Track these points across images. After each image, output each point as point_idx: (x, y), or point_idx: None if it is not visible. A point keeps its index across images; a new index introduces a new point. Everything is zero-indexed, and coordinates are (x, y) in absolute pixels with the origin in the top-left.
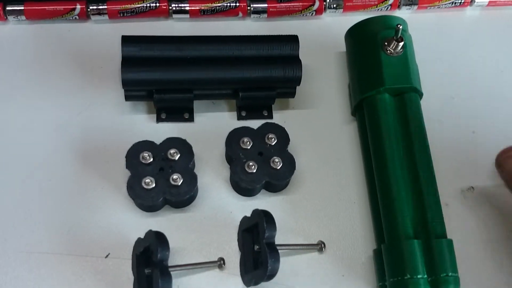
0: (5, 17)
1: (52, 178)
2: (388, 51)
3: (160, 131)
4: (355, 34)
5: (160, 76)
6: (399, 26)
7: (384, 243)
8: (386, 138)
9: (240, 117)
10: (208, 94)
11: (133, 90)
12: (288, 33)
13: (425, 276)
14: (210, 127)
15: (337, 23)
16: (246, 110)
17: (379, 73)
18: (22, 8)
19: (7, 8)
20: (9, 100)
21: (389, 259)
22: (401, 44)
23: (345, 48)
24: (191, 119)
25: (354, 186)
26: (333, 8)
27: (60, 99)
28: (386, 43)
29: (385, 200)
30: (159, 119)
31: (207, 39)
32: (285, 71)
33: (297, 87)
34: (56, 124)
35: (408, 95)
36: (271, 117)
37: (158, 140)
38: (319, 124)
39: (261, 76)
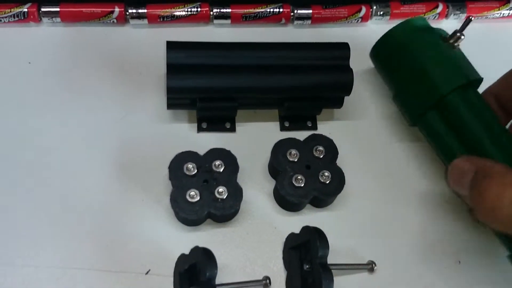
0: (39, 19)
1: (89, 189)
2: (453, 46)
3: (201, 141)
4: (401, 34)
5: (206, 84)
6: (471, 17)
7: None
8: (485, 131)
9: (283, 128)
10: (252, 103)
11: (176, 98)
12: (332, 40)
13: None
14: (252, 138)
15: (383, 31)
16: (289, 120)
17: (457, 67)
18: (58, 9)
19: (42, 10)
20: (43, 107)
21: None
22: (463, 38)
23: (387, 54)
24: (232, 129)
25: (404, 203)
26: (380, 15)
27: (97, 106)
28: (447, 38)
29: None
30: (200, 129)
31: (253, 46)
32: (335, 80)
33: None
34: (93, 132)
35: (475, 88)
36: (315, 128)
37: (199, 150)
38: (367, 136)
39: (310, 84)
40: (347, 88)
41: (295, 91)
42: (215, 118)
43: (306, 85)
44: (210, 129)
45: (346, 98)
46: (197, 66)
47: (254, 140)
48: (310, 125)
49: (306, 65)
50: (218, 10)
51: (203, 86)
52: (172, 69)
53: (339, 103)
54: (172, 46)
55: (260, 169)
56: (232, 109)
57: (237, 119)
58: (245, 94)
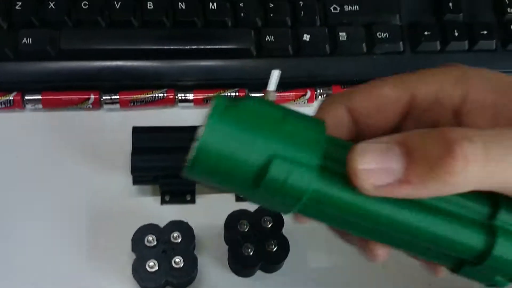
0: (23, 106)
1: (56, 260)
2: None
3: (164, 212)
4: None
5: (166, 164)
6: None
7: None
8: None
9: (238, 199)
10: None
11: (141, 176)
12: None
13: None
14: (210, 209)
15: None
16: None
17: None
18: (40, 97)
19: (26, 98)
20: (24, 183)
21: None
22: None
23: None
24: (192, 200)
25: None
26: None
27: (71, 184)
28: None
29: None
30: (163, 201)
31: None
32: None
33: None
34: (66, 208)
35: None
36: None
37: (162, 222)
38: None
39: None
40: None
41: None
42: (177, 192)
43: None
44: (172, 201)
45: None
46: (159, 147)
47: (212, 211)
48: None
49: None
50: (183, 95)
51: (164, 165)
52: (136, 150)
53: None
54: (137, 130)
55: (216, 238)
56: (192, 184)
57: (197, 191)
58: None
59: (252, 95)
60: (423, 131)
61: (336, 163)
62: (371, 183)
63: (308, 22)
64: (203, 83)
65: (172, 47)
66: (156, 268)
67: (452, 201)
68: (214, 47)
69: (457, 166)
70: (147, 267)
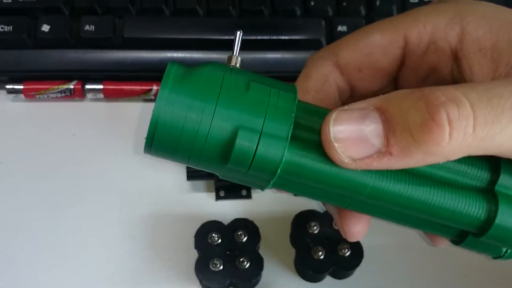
0: (83, 95)
1: (115, 258)
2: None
3: (220, 208)
4: None
5: None
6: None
7: None
8: None
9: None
10: None
11: (195, 171)
12: None
13: None
14: (269, 204)
15: None
16: None
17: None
18: (101, 87)
19: (86, 87)
20: (80, 175)
21: None
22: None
23: None
24: (248, 196)
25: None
26: None
27: (126, 177)
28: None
29: None
30: (218, 197)
31: None
32: None
33: None
34: (121, 201)
35: None
36: None
37: (219, 218)
38: None
39: None
40: None
41: None
42: (232, 187)
43: None
44: (227, 196)
45: None
46: None
47: (270, 206)
48: None
49: None
50: None
51: None
52: None
53: None
54: None
55: (280, 238)
56: None
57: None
58: None
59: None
60: (404, 92)
61: (310, 133)
62: (348, 156)
63: (384, 11)
64: (270, 75)
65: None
66: (221, 267)
67: (446, 167)
68: (282, 37)
69: (442, 134)
70: (211, 266)
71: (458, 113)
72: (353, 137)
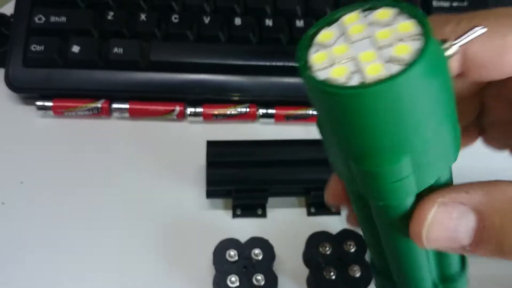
0: (110, 114)
1: (134, 273)
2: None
3: (236, 226)
4: None
5: (241, 177)
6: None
7: None
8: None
9: (309, 213)
10: (282, 192)
11: (215, 190)
12: None
13: None
14: (283, 223)
15: None
16: (315, 206)
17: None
18: (127, 106)
19: (113, 106)
20: (103, 191)
21: None
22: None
23: None
24: (263, 215)
25: None
26: None
27: (147, 194)
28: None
29: None
30: (235, 215)
31: (283, 143)
32: None
33: None
34: (140, 218)
35: None
36: (339, 213)
37: (235, 235)
38: None
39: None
40: None
41: (319, 182)
42: (248, 206)
43: (328, 178)
44: (243, 215)
45: None
46: (233, 161)
47: (284, 226)
48: (334, 210)
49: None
50: (265, 110)
51: (239, 179)
52: (211, 164)
53: None
54: (212, 144)
55: (294, 257)
56: (264, 198)
57: (268, 205)
58: (275, 185)
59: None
60: (507, 199)
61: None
62: (430, 246)
63: None
64: (285, 99)
65: (257, 63)
66: (237, 283)
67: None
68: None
69: None
70: (228, 282)
71: None
72: (445, 237)
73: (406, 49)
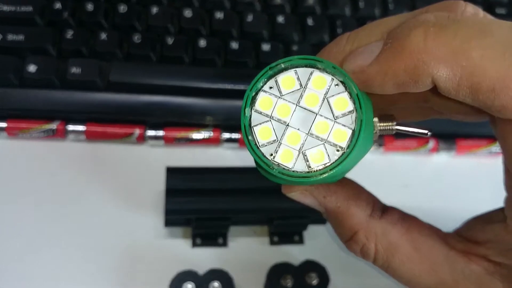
0: (65, 136)
1: None
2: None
3: (196, 256)
4: None
5: (201, 206)
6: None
7: None
8: None
9: (272, 242)
10: (244, 220)
11: (173, 218)
12: None
13: None
14: (244, 253)
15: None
16: (278, 235)
17: None
18: (84, 128)
19: (69, 128)
20: (55, 216)
21: None
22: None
23: None
24: (224, 244)
25: None
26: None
27: (101, 221)
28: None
29: None
30: (194, 244)
31: (245, 170)
32: None
33: None
34: (95, 245)
35: None
36: (302, 242)
37: (194, 265)
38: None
39: (296, 206)
40: None
41: (283, 211)
42: (209, 235)
43: (290, 207)
44: (204, 244)
45: None
46: (194, 189)
47: (245, 256)
48: (297, 239)
49: None
50: (229, 135)
51: (199, 208)
52: (171, 191)
53: (323, 221)
54: (172, 171)
55: (254, 285)
56: (225, 226)
57: (229, 234)
58: (238, 214)
59: None
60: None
61: None
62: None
63: None
64: None
65: (222, 87)
66: None
67: None
68: None
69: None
70: None
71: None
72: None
73: (343, 136)
